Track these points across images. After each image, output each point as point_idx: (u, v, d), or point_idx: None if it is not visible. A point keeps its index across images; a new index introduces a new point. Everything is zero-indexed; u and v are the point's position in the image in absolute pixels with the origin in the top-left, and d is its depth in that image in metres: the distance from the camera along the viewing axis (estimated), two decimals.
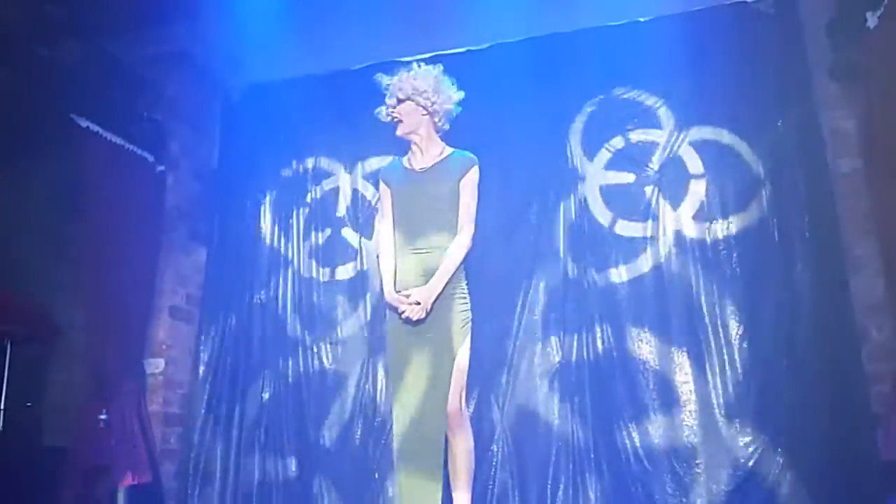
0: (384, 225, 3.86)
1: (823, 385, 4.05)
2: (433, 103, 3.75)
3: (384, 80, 3.83)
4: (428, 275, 3.58)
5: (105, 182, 4.67)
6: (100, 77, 4.70)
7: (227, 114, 5.71)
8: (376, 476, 4.59)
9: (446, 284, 3.57)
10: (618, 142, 4.75)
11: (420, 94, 3.73)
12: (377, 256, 4.02)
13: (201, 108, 5.53)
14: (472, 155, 3.78)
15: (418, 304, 3.51)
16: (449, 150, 3.84)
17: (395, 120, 3.77)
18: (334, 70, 5.40)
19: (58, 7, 4.36)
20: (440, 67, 3.89)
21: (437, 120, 3.81)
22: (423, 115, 3.76)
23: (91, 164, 4.63)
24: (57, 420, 4.96)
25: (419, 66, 3.83)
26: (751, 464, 4.08)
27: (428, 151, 3.81)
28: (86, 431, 4.47)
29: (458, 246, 3.62)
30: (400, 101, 3.74)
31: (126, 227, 4.76)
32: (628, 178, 4.69)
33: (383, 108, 3.87)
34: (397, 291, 3.65)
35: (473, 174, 3.73)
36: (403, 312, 3.53)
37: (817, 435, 4.01)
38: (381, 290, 3.89)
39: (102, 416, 4.45)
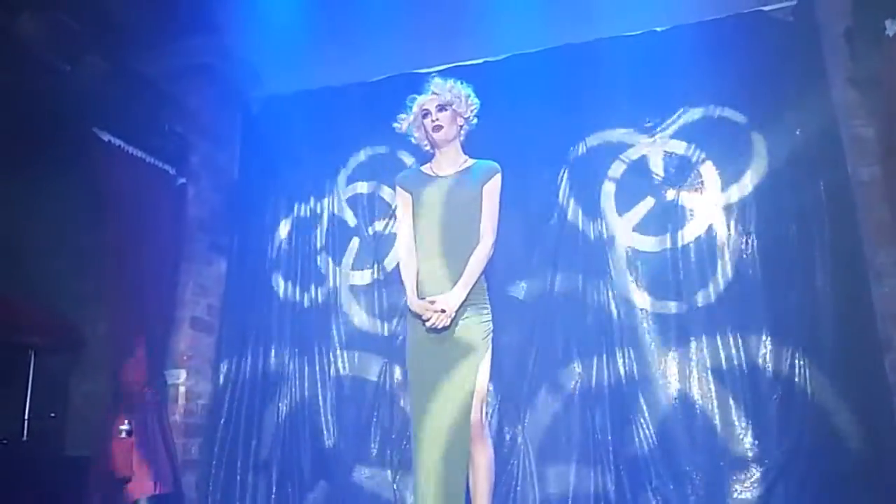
0: (404, 232, 3.85)
1: (846, 395, 4.02)
2: (466, 110, 3.78)
3: (417, 98, 3.83)
4: (451, 281, 3.57)
5: (127, 195, 4.72)
6: (121, 91, 4.75)
7: (247, 126, 5.77)
8: (395, 487, 4.61)
9: (469, 294, 3.56)
10: (635, 152, 4.76)
11: (460, 102, 3.76)
12: (398, 263, 4.01)
13: (221, 120, 5.59)
14: (495, 163, 3.79)
15: (443, 311, 3.49)
16: (472, 160, 3.85)
17: (436, 126, 3.76)
18: (353, 82, 5.44)
19: (79, 22, 4.41)
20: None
21: (463, 129, 3.84)
22: (459, 123, 3.79)
23: (113, 178, 4.68)
24: (80, 430, 5.00)
25: (444, 79, 3.83)
26: (774, 473, 4.05)
27: (453, 160, 3.82)
28: (108, 441, 4.50)
29: (481, 253, 3.60)
30: (441, 109, 3.75)
31: (148, 239, 4.80)
32: (646, 191, 4.69)
33: (404, 119, 3.87)
34: (421, 298, 3.64)
35: (496, 181, 3.73)
36: (429, 320, 3.52)
37: (841, 447, 3.98)
38: (399, 297, 3.90)
39: (125, 427, 4.48)
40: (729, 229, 4.48)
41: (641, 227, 4.66)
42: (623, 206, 4.72)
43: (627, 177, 4.75)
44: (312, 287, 5.24)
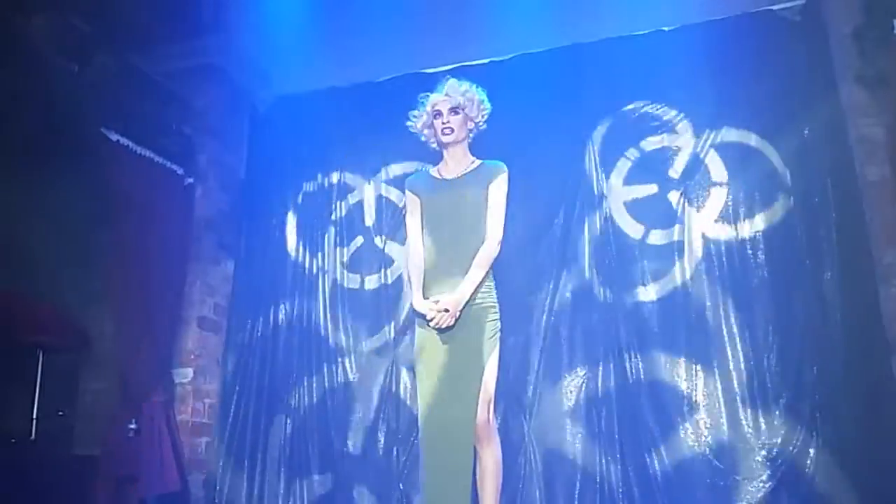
0: (413, 234, 3.87)
1: (854, 396, 4.02)
2: (478, 114, 3.79)
3: (430, 95, 3.84)
4: (457, 281, 3.57)
5: (135, 194, 4.73)
6: (129, 91, 4.77)
7: (255, 126, 5.78)
8: (401, 486, 4.61)
9: (476, 293, 3.56)
10: (642, 150, 4.75)
11: (472, 106, 3.77)
12: (406, 265, 4.03)
13: (229, 120, 5.59)
14: (501, 163, 3.79)
15: (447, 311, 3.50)
16: (479, 161, 3.85)
17: (447, 129, 3.77)
18: (360, 82, 5.45)
19: (87, 22, 4.43)
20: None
21: (472, 133, 3.85)
22: (469, 127, 3.80)
23: (121, 177, 4.69)
24: (88, 429, 5.02)
25: (459, 81, 3.84)
26: (780, 475, 4.05)
27: (460, 161, 3.83)
28: (116, 440, 4.52)
29: (486, 252, 3.61)
30: (454, 112, 3.76)
31: (155, 239, 4.81)
32: (652, 187, 4.69)
33: (417, 118, 3.87)
34: (426, 298, 3.65)
35: (503, 180, 3.74)
36: (433, 320, 3.53)
37: (848, 446, 3.97)
38: (409, 298, 3.91)
39: (132, 426, 4.50)
40: (735, 228, 4.47)
41: (652, 221, 4.65)
42: (631, 200, 4.71)
43: (634, 174, 4.75)
44: (317, 286, 5.25)
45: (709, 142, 4.63)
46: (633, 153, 4.76)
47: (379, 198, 5.30)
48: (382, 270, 5.13)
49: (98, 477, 4.49)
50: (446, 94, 3.77)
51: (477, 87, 3.82)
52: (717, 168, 4.61)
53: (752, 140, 4.58)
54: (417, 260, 3.76)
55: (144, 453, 4.47)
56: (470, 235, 3.63)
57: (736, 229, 4.47)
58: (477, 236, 3.63)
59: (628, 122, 4.81)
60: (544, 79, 4.96)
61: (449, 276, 3.59)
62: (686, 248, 4.52)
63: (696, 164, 4.63)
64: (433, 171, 3.92)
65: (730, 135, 4.62)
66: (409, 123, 3.90)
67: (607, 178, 4.76)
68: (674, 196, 4.63)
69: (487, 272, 3.61)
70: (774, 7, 4.68)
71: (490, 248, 3.61)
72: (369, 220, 5.28)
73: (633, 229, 4.66)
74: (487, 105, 3.83)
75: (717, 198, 4.57)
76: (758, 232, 4.43)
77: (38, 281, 4.97)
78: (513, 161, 3.91)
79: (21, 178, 4.84)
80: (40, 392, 4.98)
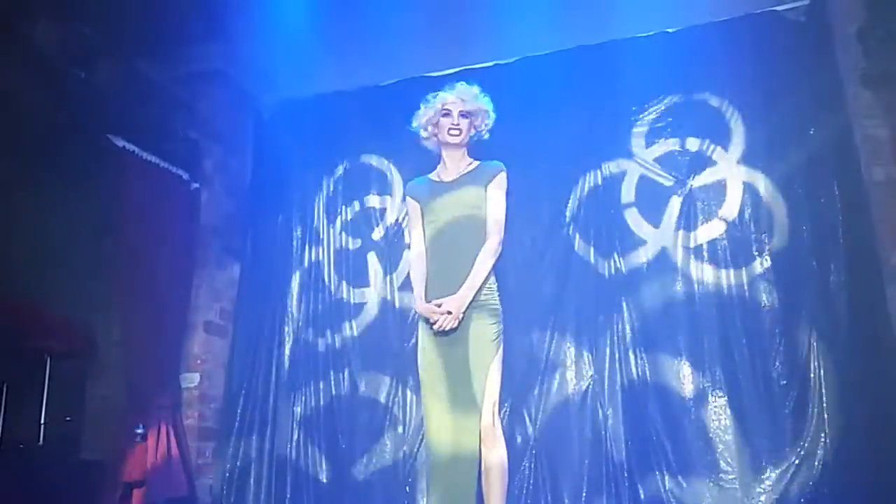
0: (414, 239, 3.88)
1: (862, 397, 4.00)
2: (482, 124, 3.80)
3: (440, 94, 3.84)
4: (458, 283, 3.57)
5: (141, 200, 4.75)
6: (135, 97, 4.79)
7: (260, 130, 5.80)
8: (406, 489, 4.61)
9: (478, 294, 3.55)
10: (649, 153, 4.75)
11: (478, 116, 3.78)
12: (409, 269, 4.03)
13: (234, 125, 5.61)
14: (499, 163, 3.79)
15: (450, 313, 3.50)
16: (476, 162, 3.85)
17: (455, 131, 3.77)
18: (364, 86, 5.46)
19: (93, 29, 4.45)
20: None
21: (472, 137, 3.85)
22: (471, 132, 3.81)
23: (127, 183, 4.72)
24: (95, 434, 5.03)
25: (469, 85, 3.84)
26: (788, 477, 4.03)
27: (459, 163, 3.83)
28: (123, 445, 4.53)
29: (487, 252, 3.60)
30: (464, 115, 3.76)
31: (161, 244, 4.83)
32: (659, 188, 4.69)
33: (422, 115, 3.87)
34: (428, 301, 3.64)
35: (501, 179, 3.73)
36: (436, 323, 3.52)
37: (857, 448, 3.95)
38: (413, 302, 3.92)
39: (139, 431, 4.51)
40: (742, 229, 4.46)
41: (658, 221, 4.64)
42: (642, 204, 4.71)
43: (642, 178, 4.74)
44: (326, 289, 5.26)
45: (714, 143, 4.62)
46: (639, 157, 4.75)
47: (383, 209, 5.31)
48: (386, 275, 5.13)
49: (105, 482, 4.50)
50: (459, 97, 3.77)
51: (486, 96, 3.83)
52: (722, 167, 4.60)
53: (757, 141, 4.56)
54: (420, 264, 3.77)
55: (152, 458, 4.48)
56: (470, 236, 3.63)
57: (742, 230, 4.46)
58: (477, 237, 3.62)
59: (634, 123, 4.80)
60: (549, 81, 4.97)
61: (451, 278, 3.58)
62: (694, 247, 4.52)
63: (701, 167, 4.63)
64: (432, 175, 3.93)
65: (735, 136, 4.60)
66: (414, 123, 3.89)
67: (613, 178, 4.76)
68: (680, 199, 4.62)
69: (489, 273, 3.61)
70: (779, 8, 4.67)
71: (490, 249, 3.60)
72: (375, 223, 5.29)
73: (639, 229, 4.66)
74: (493, 115, 3.83)
75: (723, 199, 4.56)
76: (763, 232, 4.42)
77: (45, 287, 4.99)
78: (517, 163, 3.91)
79: (27, 183, 4.87)
80: (48, 398, 4.99)
